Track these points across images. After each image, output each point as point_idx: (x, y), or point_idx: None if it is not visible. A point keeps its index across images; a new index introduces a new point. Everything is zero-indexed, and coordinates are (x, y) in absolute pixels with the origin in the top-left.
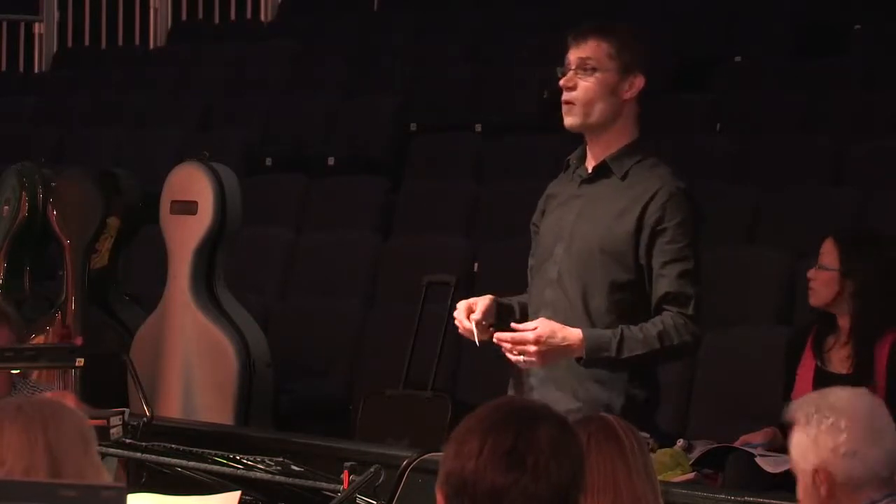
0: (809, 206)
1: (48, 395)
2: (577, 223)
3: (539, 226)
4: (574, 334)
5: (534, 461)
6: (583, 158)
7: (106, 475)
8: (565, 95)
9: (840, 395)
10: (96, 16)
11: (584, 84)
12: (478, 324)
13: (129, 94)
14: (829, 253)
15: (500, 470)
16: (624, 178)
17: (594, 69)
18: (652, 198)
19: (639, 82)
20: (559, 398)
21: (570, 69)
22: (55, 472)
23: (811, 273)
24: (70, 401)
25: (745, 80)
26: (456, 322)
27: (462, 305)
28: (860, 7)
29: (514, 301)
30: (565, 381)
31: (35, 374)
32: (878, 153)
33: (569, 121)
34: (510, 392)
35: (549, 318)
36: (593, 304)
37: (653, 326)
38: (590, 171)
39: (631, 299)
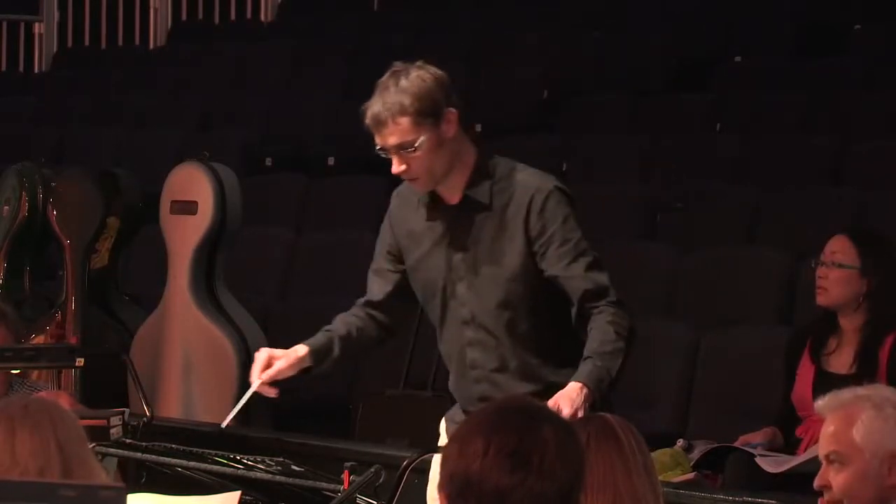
0: (809, 206)
1: (42, 394)
2: (468, 259)
3: (402, 256)
4: (577, 388)
5: (539, 461)
6: (432, 193)
7: (103, 473)
8: (403, 175)
9: None
10: (96, 16)
11: (413, 161)
12: (263, 383)
13: (129, 94)
14: (844, 251)
15: (505, 470)
16: (491, 201)
17: (411, 148)
18: (528, 210)
19: (452, 115)
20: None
21: (389, 153)
22: (67, 470)
23: (821, 271)
24: (64, 400)
25: (745, 80)
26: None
27: (263, 356)
28: (860, 7)
29: (335, 334)
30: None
31: (35, 373)
32: (878, 153)
33: (421, 189)
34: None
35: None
36: (519, 330)
37: (605, 332)
38: (451, 204)
39: (552, 312)
